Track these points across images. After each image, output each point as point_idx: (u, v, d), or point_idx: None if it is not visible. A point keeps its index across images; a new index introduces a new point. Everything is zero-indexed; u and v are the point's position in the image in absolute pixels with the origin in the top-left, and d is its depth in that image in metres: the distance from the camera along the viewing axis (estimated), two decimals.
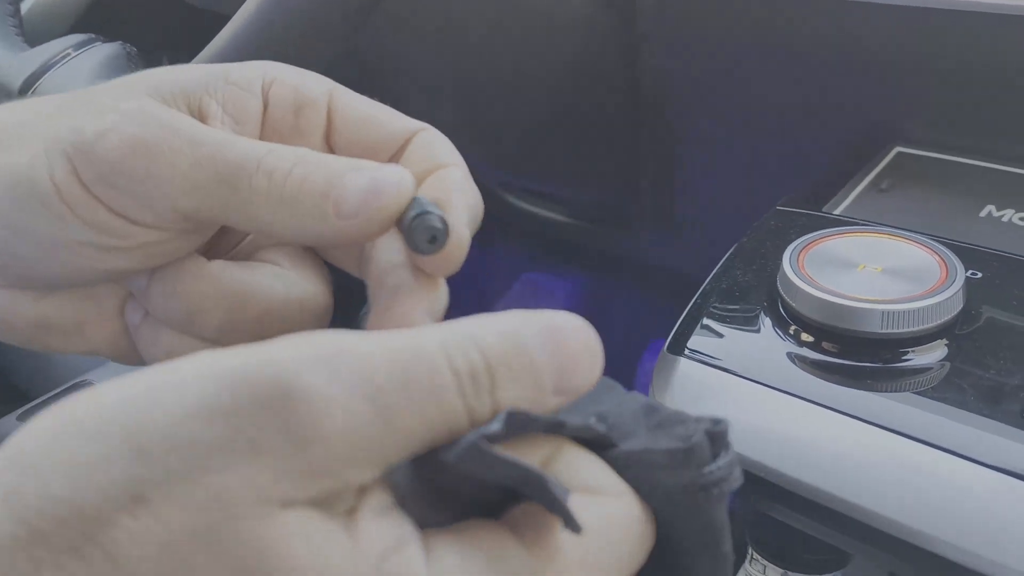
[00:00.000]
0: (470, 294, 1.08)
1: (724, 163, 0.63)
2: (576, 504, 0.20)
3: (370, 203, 0.26)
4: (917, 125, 0.53)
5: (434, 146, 0.30)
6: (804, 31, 0.53)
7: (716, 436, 0.23)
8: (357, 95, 0.31)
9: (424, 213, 0.26)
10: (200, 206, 0.27)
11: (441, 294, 0.28)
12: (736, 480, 0.23)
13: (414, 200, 0.26)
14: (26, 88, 0.48)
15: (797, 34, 0.54)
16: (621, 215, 0.72)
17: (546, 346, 0.21)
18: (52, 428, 0.19)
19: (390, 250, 0.29)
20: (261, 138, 0.30)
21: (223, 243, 0.33)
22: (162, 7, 0.65)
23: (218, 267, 0.30)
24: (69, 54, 0.49)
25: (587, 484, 0.22)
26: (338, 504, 0.19)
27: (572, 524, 0.20)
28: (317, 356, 0.19)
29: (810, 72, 0.55)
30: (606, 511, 0.22)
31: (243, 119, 0.30)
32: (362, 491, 0.20)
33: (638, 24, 0.58)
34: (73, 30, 0.64)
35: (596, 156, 0.66)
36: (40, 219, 0.27)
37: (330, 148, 0.31)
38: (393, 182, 0.26)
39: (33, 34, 0.60)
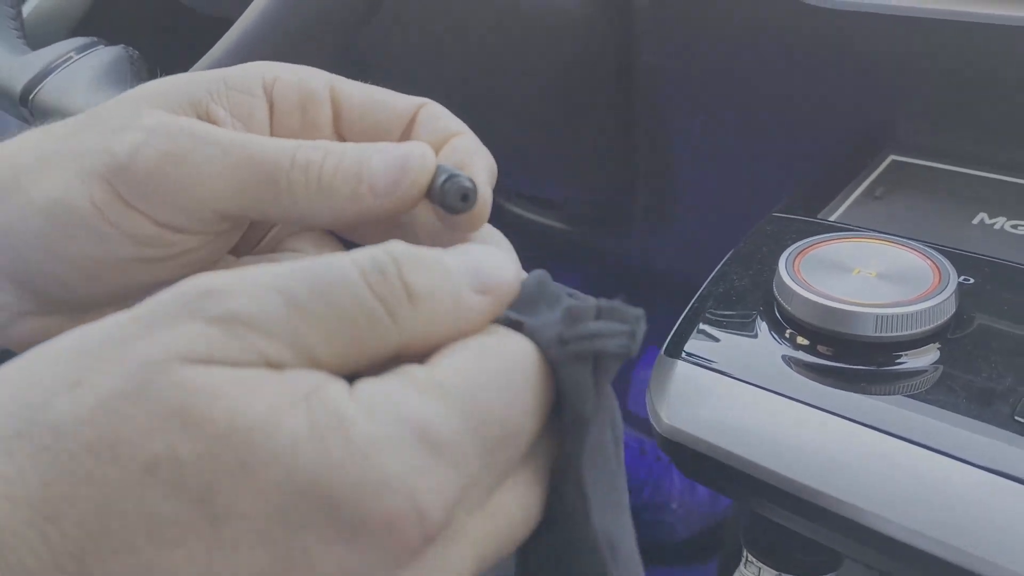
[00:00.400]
0: None
1: (719, 165, 0.64)
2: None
3: (401, 180, 0.28)
4: (911, 132, 0.54)
5: (440, 118, 0.32)
6: (799, 36, 0.54)
7: (607, 309, 0.23)
8: (355, 83, 0.32)
9: (452, 176, 0.28)
10: (242, 206, 0.28)
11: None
12: (619, 348, 0.23)
13: (438, 168, 0.28)
14: (28, 91, 0.49)
15: (792, 39, 0.54)
16: (617, 218, 0.72)
17: (455, 252, 0.23)
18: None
19: (426, 217, 0.31)
20: (273, 136, 0.31)
21: (250, 240, 0.34)
22: (163, 11, 0.66)
23: (251, 263, 0.31)
24: (71, 57, 0.49)
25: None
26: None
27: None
28: (233, 272, 0.21)
29: (805, 76, 0.56)
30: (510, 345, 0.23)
31: (251, 122, 0.31)
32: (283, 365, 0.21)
33: (634, 27, 0.59)
34: (75, 33, 0.64)
35: (591, 159, 0.67)
36: (85, 242, 0.29)
37: (341, 137, 0.32)
38: (417, 155, 0.28)
39: (35, 37, 0.61)
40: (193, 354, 0.19)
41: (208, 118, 0.30)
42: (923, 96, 0.53)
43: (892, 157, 0.53)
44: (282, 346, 0.20)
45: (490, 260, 0.23)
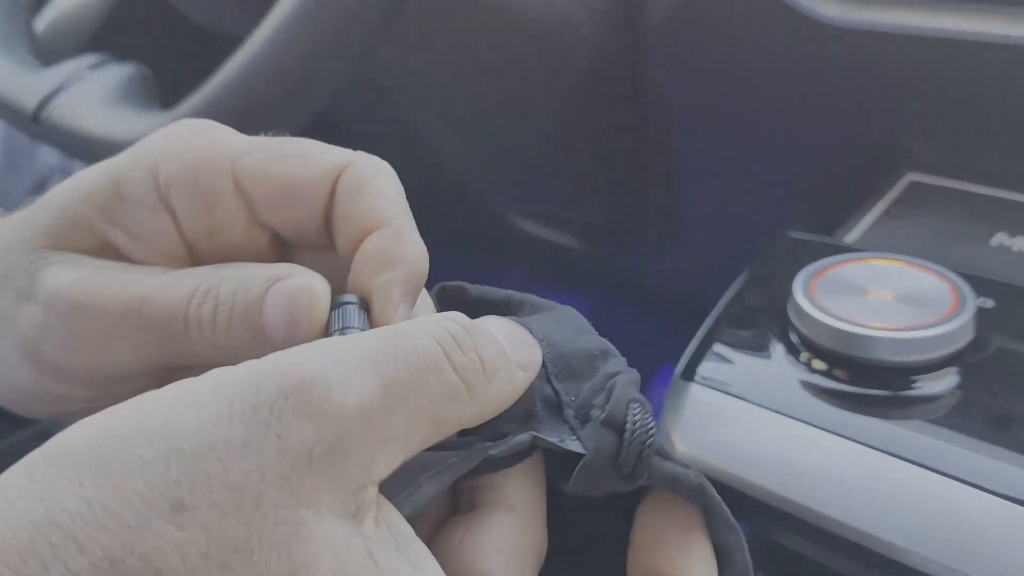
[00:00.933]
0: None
1: (730, 183, 0.63)
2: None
3: (296, 324, 0.26)
4: (929, 152, 0.53)
5: (359, 196, 0.28)
6: (814, 55, 0.53)
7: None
8: (265, 154, 0.28)
9: (344, 328, 0.26)
10: (155, 364, 0.28)
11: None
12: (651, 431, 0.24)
13: (338, 311, 0.26)
14: (40, 108, 0.49)
15: (807, 58, 0.54)
16: (626, 235, 0.72)
17: (496, 326, 0.24)
18: (91, 434, 0.19)
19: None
20: (186, 243, 0.29)
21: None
22: (173, 28, 0.66)
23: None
24: (83, 75, 0.49)
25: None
26: (359, 504, 0.20)
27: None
28: (318, 348, 0.21)
29: (820, 95, 0.55)
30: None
31: (157, 238, 0.28)
32: (375, 494, 0.21)
33: (644, 45, 0.59)
34: (87, 49, 0.65)
35: (601, 177, 0.67)
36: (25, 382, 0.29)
37: (260, 225, 0.29)
38: (304, 301, 0.26)
39: (47, 52, 0.61)
40: (302, 498, 0.19)
41: (110, 248, 0.28)
42: (941, 115, 0.52)
43: (910, 177, 0.53)
44: (380, 448, 0.20)
45: (523, 337, 0.25)
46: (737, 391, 0.39)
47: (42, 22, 0.69)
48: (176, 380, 0.22)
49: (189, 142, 0.28)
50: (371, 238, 0.27)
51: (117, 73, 0.50)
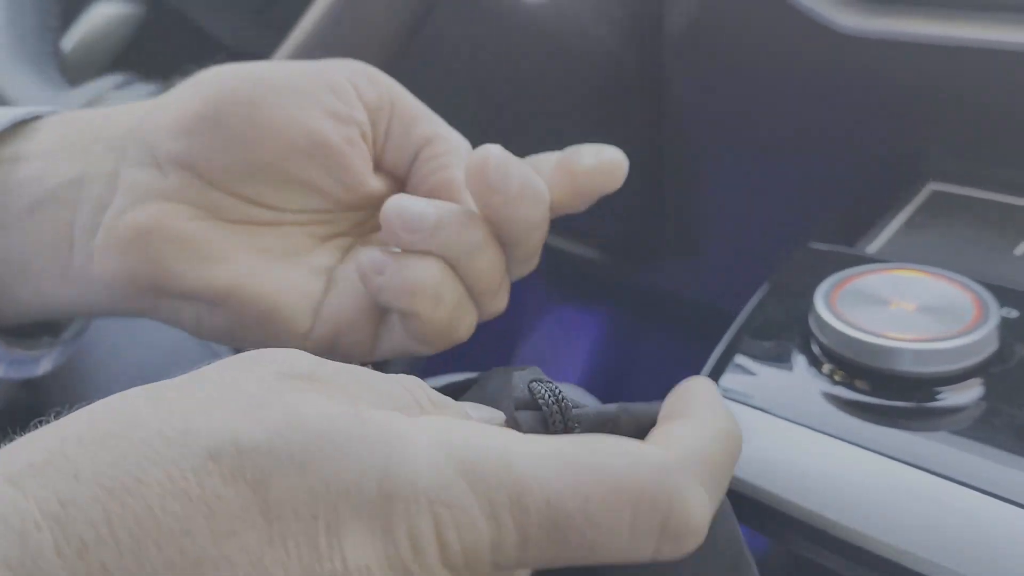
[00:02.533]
0: (498, 329, 1.08)
1: (751, 195, 0.63)
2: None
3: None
4: (952, 161, 0.53)
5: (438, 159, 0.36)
6: (834, 65, 0.53)
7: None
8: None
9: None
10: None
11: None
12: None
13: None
14: None
15: (827, 68, 0.54)
16: (647, 247, 0.72)
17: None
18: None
19: None
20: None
21: None
22: (198, 47, 0.67)
23: None
24: (110, 94, 0.50)
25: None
26: None
27: None
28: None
29: (840, 105, 0.55)
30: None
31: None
32: None
33: (665, 57, 0.59)
34: (113, 69, 0.66)
35: (622, 189, 0.67)
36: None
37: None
38: None
39: (74, 72, 0.62)
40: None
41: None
42: (963, 124, 0.52)
43: (932, 187, 0.53)
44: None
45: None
46: (758, 403, 0.39)
47: (69, 42, 0.70)
48: None
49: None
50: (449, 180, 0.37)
51: (142, 93, 0.50)
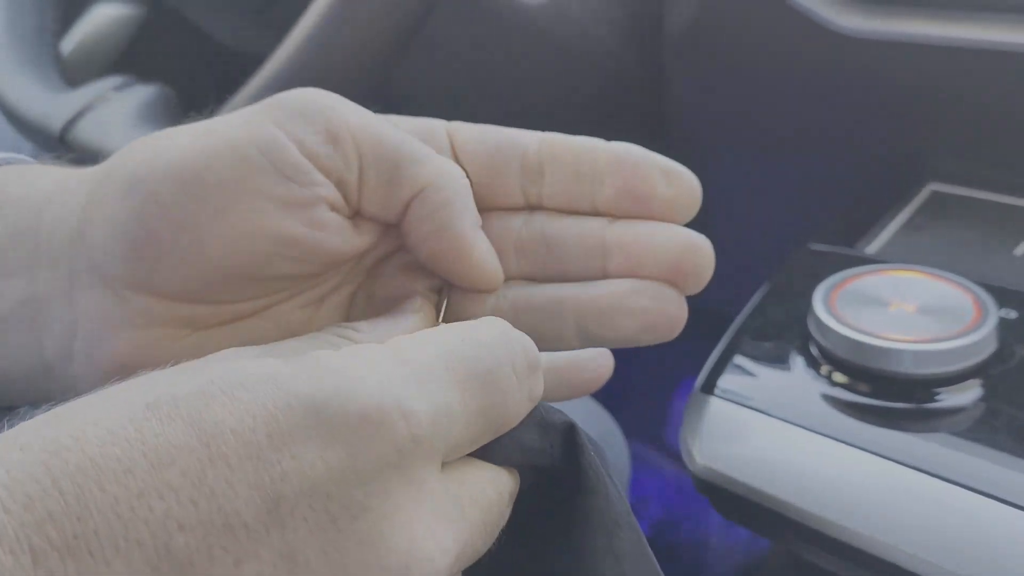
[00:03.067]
0: None
1: (752, 195, 0.63)
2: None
3: None
4: (952, 162, 0.53)
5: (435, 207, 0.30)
6: (836, 66, 0.53)
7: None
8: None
9: None
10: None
11: None
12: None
13: None
14: (67, 129, 0.50)
15: (828, 69, 0.54)
16: None
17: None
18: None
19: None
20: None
21: None
22: (199, 48, 0.67)
23: None
24: (109, 96, 0.50)
25: None
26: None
27: None
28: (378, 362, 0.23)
29: (842, 106, 0.55)
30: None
31: None
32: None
33: (665, 58, 0.59)
34: (112, 70, 0.66)
35: None
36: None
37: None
38: None
39: (73, 74, 0.62)
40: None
41: None
42: (962, 125, 0.52)
43: (932, 187, 0.53)
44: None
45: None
46: (757, 404, 0.39)
47: (68, 44, 0.70)
48: None
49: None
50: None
51: (141, 94, 0.50)
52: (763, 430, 0.38)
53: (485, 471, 0.25)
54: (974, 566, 0.33)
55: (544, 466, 0.26)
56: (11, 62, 0.54)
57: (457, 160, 0.31)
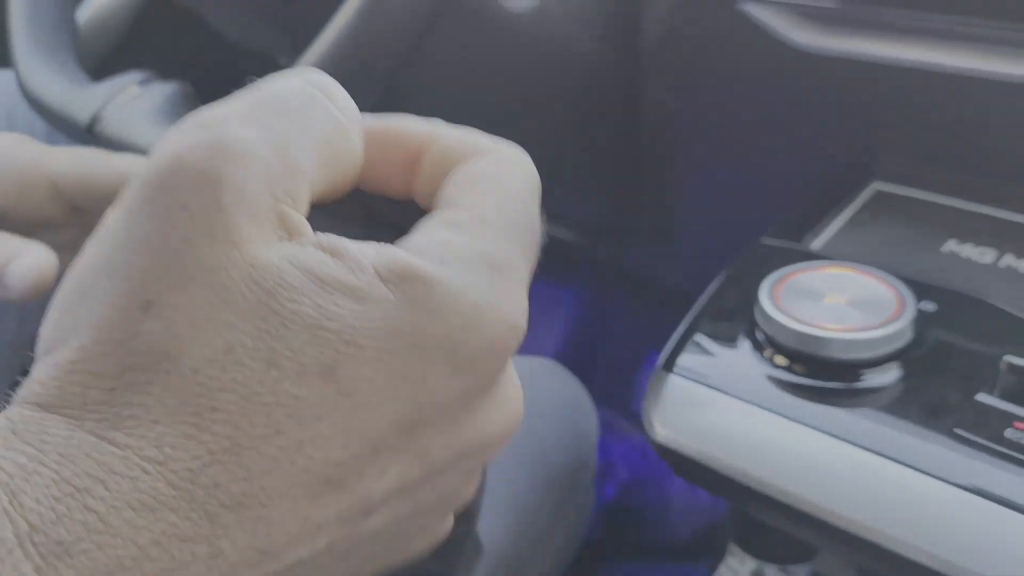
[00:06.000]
0: None
1: (719, 188, 0.68)
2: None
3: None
4: (894, 163, 0.59)
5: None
6: (792, 77, 0.59)
7: None
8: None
9: None
10: None
11: None
12: None
13: None
14: (94, 121, 0.54)
15: (786, 79, 0.59)
16: (622, 234, 0.77)
17: None
18: None
19: None
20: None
21: None
22: (197, 39, 0.70)
23: None
24: (132, 90, 0.54)
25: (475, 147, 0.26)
26: (288, 230, 0.22)
27: None
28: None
29: (798, 112, 0.61)
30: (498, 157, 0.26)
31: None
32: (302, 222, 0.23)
33: (641, 63, 0.64)
34: (122, 49, 0.69)
35: (598, 180, 0.72)
36: None
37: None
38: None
39: (86, 50, 0.65)
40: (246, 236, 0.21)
41: None
42: (905, 129, 0.57)
43: (876, 186, 0.58)
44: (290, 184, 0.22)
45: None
46: (711, 382, 0.45)
47: (80, 16, 0.73)
48: None
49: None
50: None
51: (164, 90, 0.54)
52: (716, 405, 0.44)
53: None
54: (885, 519, 0.39)
55: None
56: (35, 55, 0.57)
57: None
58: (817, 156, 0.62)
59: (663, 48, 0.62)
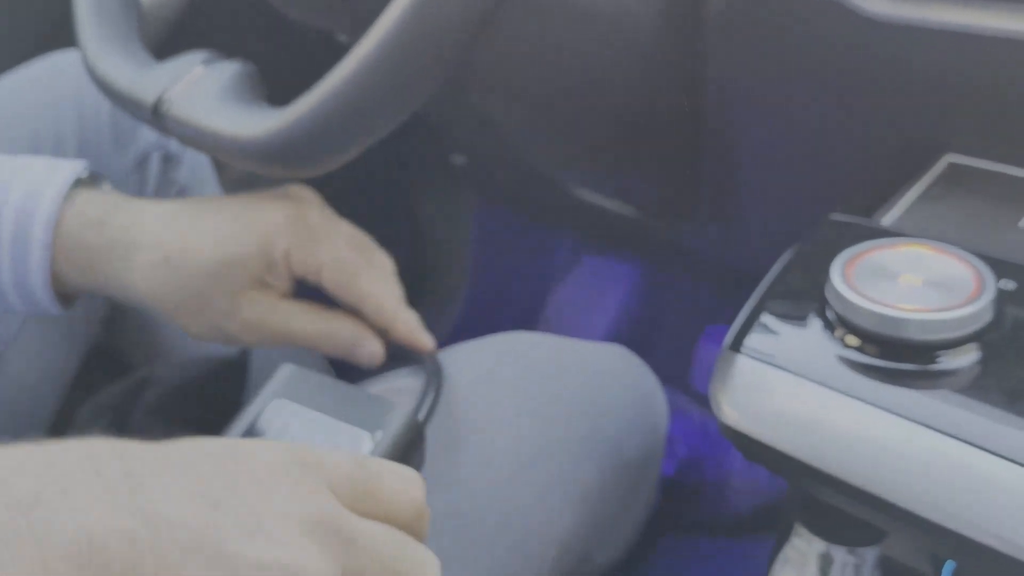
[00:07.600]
0: (533, 272, 1.13)
1: (784, 163, 0.67)
2: None
3: None
4: (968, 134, 0.57)
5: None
6: (861, 47, 0.57)
7: None
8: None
9: None
10: None
11: None
12: None
13: None
14: (160, 103, 0.54)
15: (854, 49, 0.57)
16: (682, 211, 0.76)
17: None
18: None
19: None
20: None
21: None
22: (268, 23, 0.70)
23: None
24: (197, 70, 0.55)
25: None
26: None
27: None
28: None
29: (864, 85, 0.59)
30: None
31: None
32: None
33: (703, 37, 0.62)
34: (178, 39, 0.70)
35: (660, 158, 0.71)
36: None
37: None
38: None
39: (149, 28, 0.65)
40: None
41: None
42: (980, 101, 0.56)
43: (949, 159, 0.56)
44: None
45: None
46: (780, 363, 0.44)
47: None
48: None
49: None
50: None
51: (229, 70, 0.54)
52: (784, 386, 0.43)
53: None
54: (964, 507, 0.38)
55: None
56: (100, 35, 0.58)
57: None
58: (887, 128, 0.60)
59: (727, 19, 0.60)
